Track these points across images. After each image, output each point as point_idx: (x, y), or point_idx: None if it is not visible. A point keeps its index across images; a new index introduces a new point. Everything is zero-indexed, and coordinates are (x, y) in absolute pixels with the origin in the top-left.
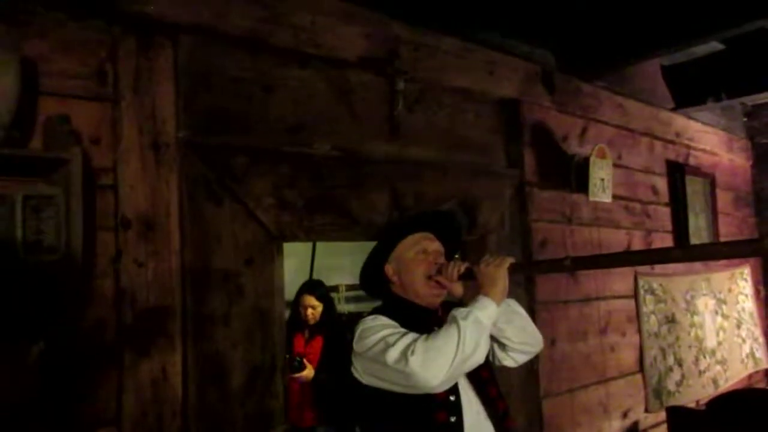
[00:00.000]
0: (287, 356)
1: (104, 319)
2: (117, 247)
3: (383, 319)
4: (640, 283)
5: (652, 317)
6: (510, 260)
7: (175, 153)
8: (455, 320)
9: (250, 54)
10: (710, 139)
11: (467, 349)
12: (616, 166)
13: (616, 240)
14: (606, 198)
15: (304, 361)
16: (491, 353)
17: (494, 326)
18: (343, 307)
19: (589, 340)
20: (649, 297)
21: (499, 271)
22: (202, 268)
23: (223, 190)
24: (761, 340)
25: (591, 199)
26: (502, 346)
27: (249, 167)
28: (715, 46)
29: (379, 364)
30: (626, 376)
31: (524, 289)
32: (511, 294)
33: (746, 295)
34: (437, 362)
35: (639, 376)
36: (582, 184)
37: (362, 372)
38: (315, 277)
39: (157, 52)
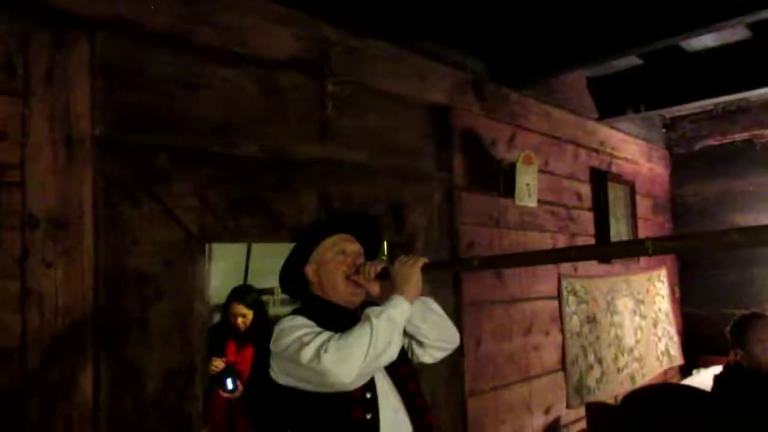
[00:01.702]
0: (215, 365)
1: (8, 322)
2: (23, 246)
3: (301, 320)
4: (564, 284)
5: (575, 317)
6: (423, 260)
7: (90, 150)
8: (368, 318)
9: (174, 51)
10: (631, 149)
11: (379, 346)
12: (542, 172)
13: (541, 243)
14: (531, 202)
15: (238, 383)
16: (410, 350)
17: (411, 324)
18: (278, 310)
19: (513, 340)
20: (572, 298)
21: (412, 270)
22: (117, 270)
23: (141, 189)
24: (675, 338)
25: (517, 203)
26: (420, 343)
27: (170, 167)
28: (637, 60)
29: (294, 364)
30: (549, 374)
31: (452, 290)
32: (439, 295)
33: (663, 296)
34: (350, 360)
35: (561, 374)
36: (509, 189)
37: (279, 372)
38: (251, 279)
39: (73, 46)
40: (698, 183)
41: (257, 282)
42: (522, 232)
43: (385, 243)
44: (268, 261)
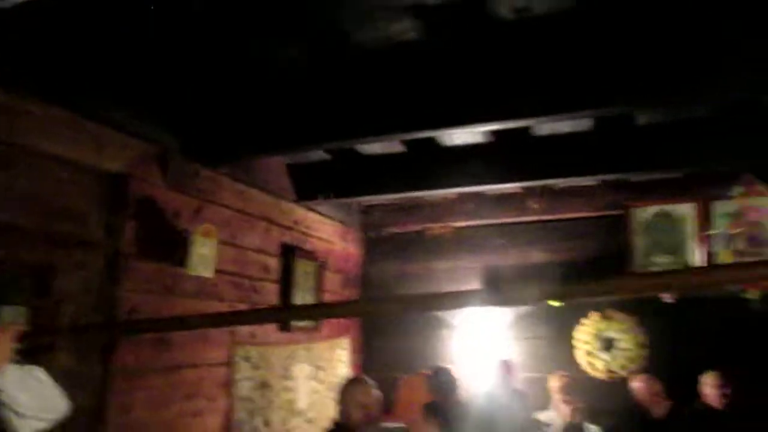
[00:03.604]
0: None
1: None
2: None
3: None
4: (238, 351)
5: (246, 383)
6: (16, 327)
7: None
8: None
9: None
10: (327, 229)
11: None
12: (228, 244)
13: (219, 311)
14: (207, 273)
15: None
16: (8, 423)
17: (5, 394)
18: None
19: (171, 408)
20: (244, 364)
21: None
22: None
23: None
24: None
25: (190, 273)
26: (18, 415)
27: None
28: (326, 155)
29: None
30: None
31: (100, 356)
32: (85, 361)
33: (343, 362)
34: None
35: None
36: (185, 259)
37: None
38: None
39: None
40: (384, 263)
41: None
42: (199, 300)
43: (24, 309)
44: None
